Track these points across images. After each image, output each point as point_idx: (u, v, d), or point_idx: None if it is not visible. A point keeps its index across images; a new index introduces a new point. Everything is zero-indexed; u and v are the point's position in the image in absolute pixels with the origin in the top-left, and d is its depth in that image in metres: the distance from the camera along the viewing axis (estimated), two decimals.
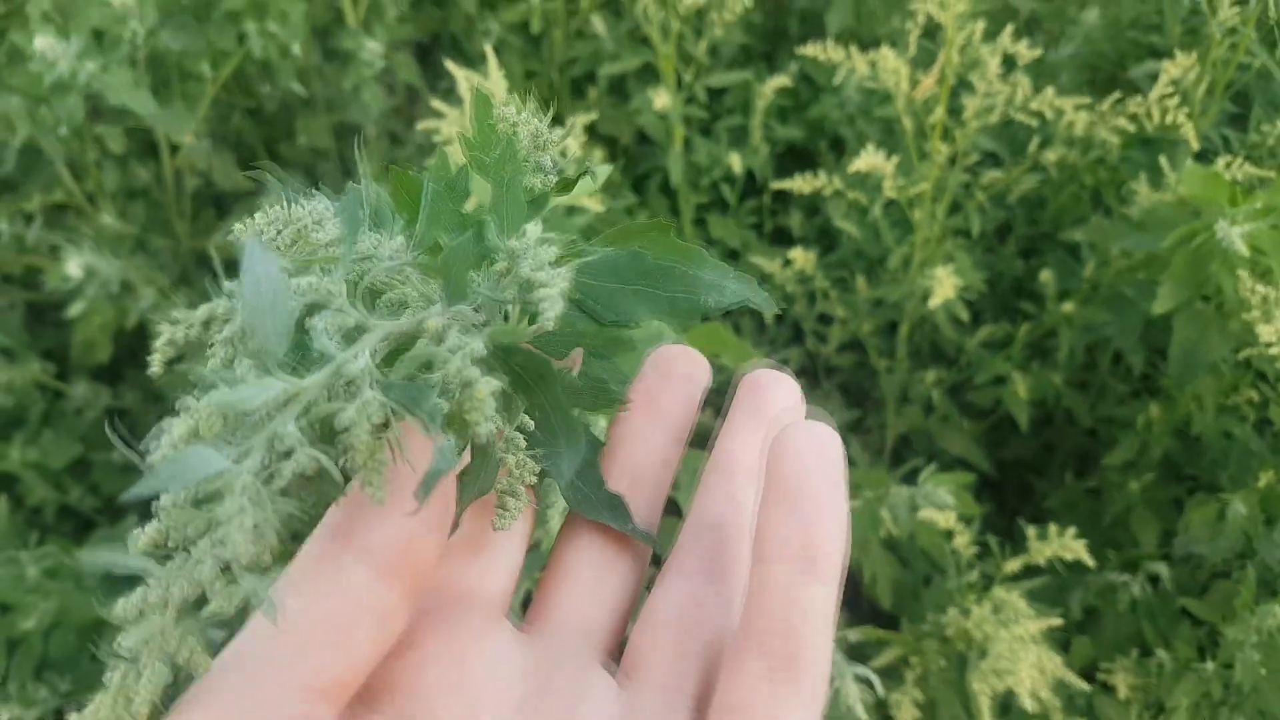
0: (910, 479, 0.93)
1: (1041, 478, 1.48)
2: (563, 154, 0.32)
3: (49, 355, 1.52)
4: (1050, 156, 0.93)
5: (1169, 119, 0.83)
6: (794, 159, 1.53)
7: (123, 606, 0.23)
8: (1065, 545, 0.71)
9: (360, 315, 0.25)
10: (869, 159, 0.92)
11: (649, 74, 1.52)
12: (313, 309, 0.25)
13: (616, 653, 0.34)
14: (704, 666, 0.32)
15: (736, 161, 1.23)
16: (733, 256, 1.44)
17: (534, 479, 0.31)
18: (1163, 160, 0.90)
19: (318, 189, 0.30)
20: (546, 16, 1.56)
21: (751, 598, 0.30)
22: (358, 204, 0.28)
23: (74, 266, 1.11)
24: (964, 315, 1.03)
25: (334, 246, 0.27)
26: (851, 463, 1.23)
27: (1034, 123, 0.88)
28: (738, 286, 0.31)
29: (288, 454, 0.23)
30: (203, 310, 0.26)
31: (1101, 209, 1.26)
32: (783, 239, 1.52)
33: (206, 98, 1.20)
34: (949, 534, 0.82)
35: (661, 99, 1.16)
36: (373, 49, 1.20)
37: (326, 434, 0.23)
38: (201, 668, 0.24)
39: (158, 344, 0.26)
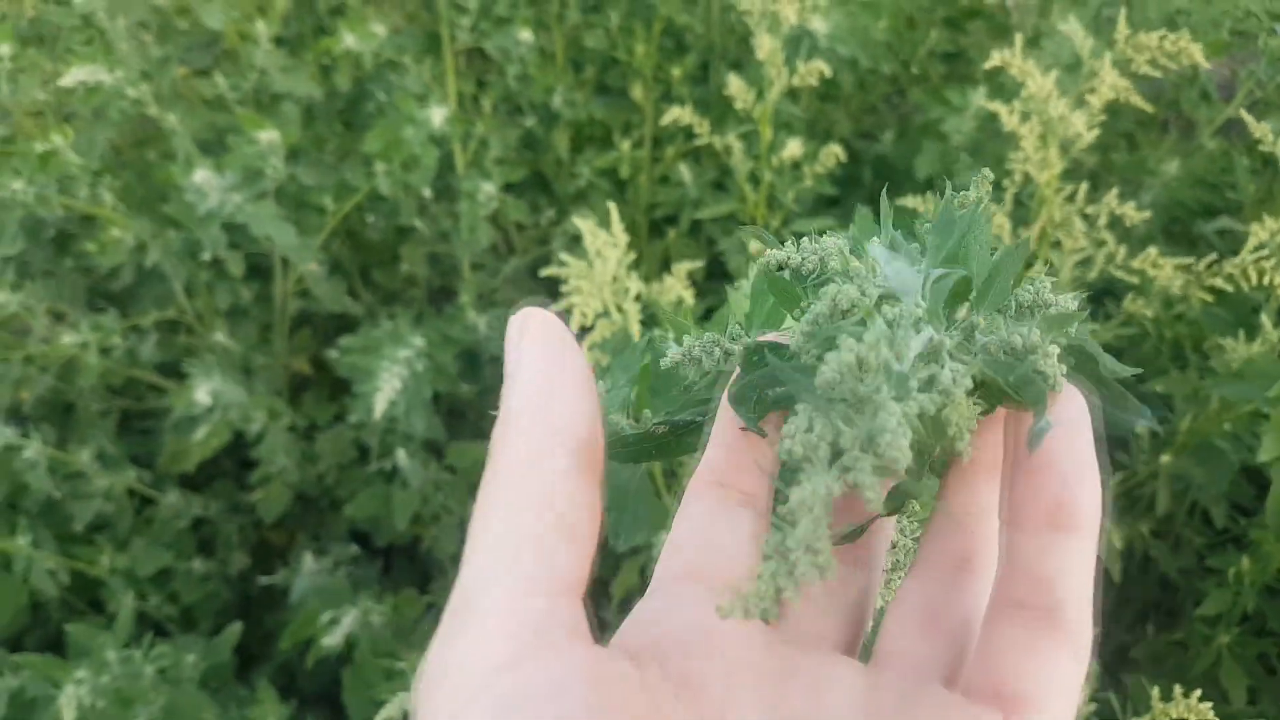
0: None
1: (1116, 624, 1.47)
2: None
3: (134, 461, 1.57)
4: (1147, 312, 0.97)
5: (1266, 280, 0.87)
6: None
7: (791, 504, 0.26)
8: (1193, 708, 0.72)
9: (922, 311, 0.30)
10: None
11: (730, 217, 1.60)
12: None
13: (854, 653, 0.35)
14: (952, 647, 0.32)
15: None
16: None
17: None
18: (1264, 317, 0.94)
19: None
20: (634, 163, 1.66)
21: (1005, 565, 0.31)
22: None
23: (203, 394, 1.16)
24: None
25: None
26: None
27: (1134, 280, 0.93)
28: None
29: (908, 397, 0.27)
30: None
31: (1179, 362, 1.30)
32: None
33: (327, 228, 1.28)
34: None
35: (755, 244, 1.23)
36: (487, 191, 1.28)
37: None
38: (829, 569, 0.26)
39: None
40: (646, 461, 0.42)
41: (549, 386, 0.29)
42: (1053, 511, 0.29)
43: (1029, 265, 1.05)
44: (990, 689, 0.30)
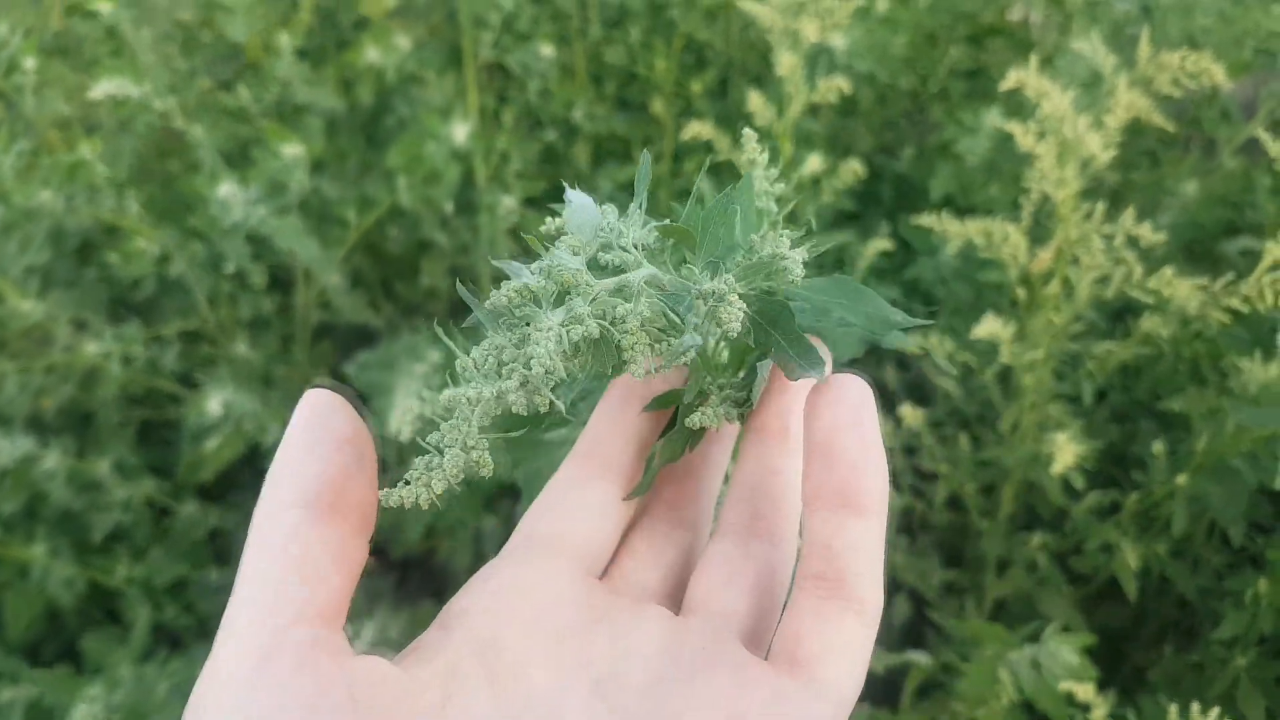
0: (1027, 641, 0.93)
1: (1133, 645, 1.46)
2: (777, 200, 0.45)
3: (153, 471, 1.58)
4: (1164, 331, 0.97)
5: None
6: None
7: (445, 396, 0.30)
8: None
9: (636, 256, 0.34)
10: (989, 326, 0.97)
11: None
12: (604, 248, 0.35)
13: (675, 607, 0.38)
14: (754, 603, 0.36)
15: None
16: None
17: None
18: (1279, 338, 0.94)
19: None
20: (653, 177, 1.66)
21: (804, 542, 0.34)
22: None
23: (215, 404, 1.18)
24: (1079, 482, 1.05)
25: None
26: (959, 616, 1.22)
27: (1150, 299, 0.93)
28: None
29: (579, 322, 0.31)
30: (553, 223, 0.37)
31: (1197, 381, 1.29)
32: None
33: (350, 241, 1.29)
34: (1085, 707, 0.82)
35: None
36: (508, 204, 1.29)
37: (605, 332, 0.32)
38: (485, 467, 0.30)
39: (492, 297, 0.33)
40: (521, 428, 0.47)
41: (298, 453, 0.33)
42: (842, 495, 0.32)
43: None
44: (786, 653, 0.33)
